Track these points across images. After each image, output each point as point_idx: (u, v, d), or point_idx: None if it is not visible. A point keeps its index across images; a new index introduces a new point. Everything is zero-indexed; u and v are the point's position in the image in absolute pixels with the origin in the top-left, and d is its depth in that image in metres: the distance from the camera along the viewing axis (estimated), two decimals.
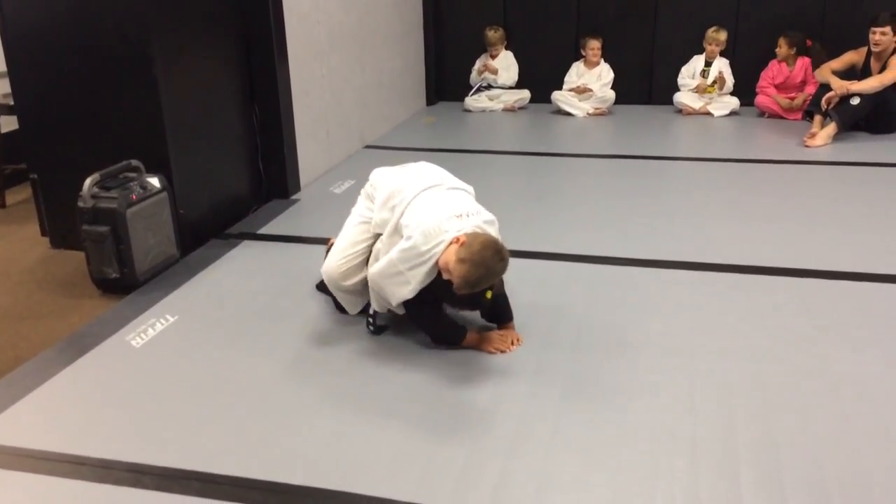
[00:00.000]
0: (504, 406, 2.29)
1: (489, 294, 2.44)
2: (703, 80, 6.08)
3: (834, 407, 2.24)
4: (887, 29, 5.04)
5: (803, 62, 5.76)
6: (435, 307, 2.59)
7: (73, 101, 3.40)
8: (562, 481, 1.96)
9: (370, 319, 2.71)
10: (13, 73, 3.49)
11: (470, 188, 2.68)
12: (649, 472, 1.99)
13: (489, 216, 2.52)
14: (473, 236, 2.34)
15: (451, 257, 2.30)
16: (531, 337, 2.67)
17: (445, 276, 2.35)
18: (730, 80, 6.04)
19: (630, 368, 2.47)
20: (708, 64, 6.09)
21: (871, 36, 5.11)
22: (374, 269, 2.52)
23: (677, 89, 6.20)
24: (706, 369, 2.45)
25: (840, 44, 5.53)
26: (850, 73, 5.37)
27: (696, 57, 6.15)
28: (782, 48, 5.77)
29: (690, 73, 6.16)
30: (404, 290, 2.44)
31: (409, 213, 2.48)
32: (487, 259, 2.28)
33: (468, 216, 2.43)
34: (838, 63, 5.40)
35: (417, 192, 2.52)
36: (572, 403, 2.29)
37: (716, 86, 6.03)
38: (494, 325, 2.71)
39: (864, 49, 5.29)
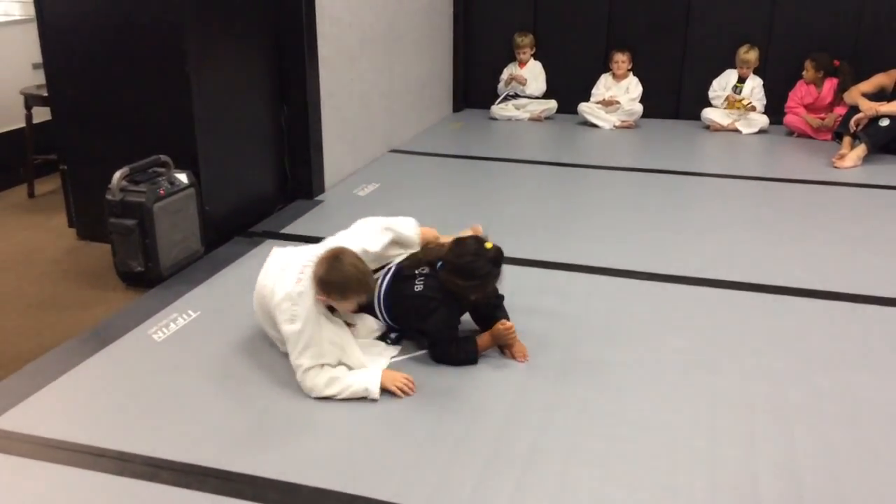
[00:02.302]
0: (521, 418, 2.28)
1: (489, 245, 2.49)
2: (733, 94, 6.04)
3: (855, 432, 2.21)
4: None
5: (832, 83, 5.70)
6: (455, 338, 2.60)
7: (105, 95, 3.44)
8: (578, 497, 1.95)
9: (390, 336, 2.71)
10: (48, 64, 3.54)
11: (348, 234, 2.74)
12: (667, 490, 1.97)
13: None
14: (309, 275, 2.40)
15: (324, 300, 2.38)
16: (551, 348, 2.65)
17: (346, 309, 2.46)
18: (760, 104, 6.00)
19: (650, 385, 2.45)
20: (741, 81, 6.04)
21: None
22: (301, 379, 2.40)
23: (706, 105, 6.14)
24: (727, 389, 2.43)
25: (872, 65, 5.47)
26: (879, 96, 5.31)
27: (729, 70, 6.10)
28: (809, 72, 5.70)
29: (722, 85, 6.11)
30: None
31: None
32: (338, 267, 2.35)
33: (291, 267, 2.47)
34: (868, 85, 5.36)
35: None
36: (591, 418, 2.28)
37: (744, 101, 5.98)
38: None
39: (895, 71, 5.24)
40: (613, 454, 2.11)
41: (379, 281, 2.63)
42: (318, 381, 2.32)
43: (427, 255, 2.64)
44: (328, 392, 2.32)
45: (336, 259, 2.37)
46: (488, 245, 2.51)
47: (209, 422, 2.25)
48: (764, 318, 2.92)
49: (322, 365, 2.34)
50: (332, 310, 2.45)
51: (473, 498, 1.93)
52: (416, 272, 2.60)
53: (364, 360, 2.43)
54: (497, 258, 2.51)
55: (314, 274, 2.37)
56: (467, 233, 2.76)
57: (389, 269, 2.68)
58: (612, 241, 3.71)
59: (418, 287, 2.55)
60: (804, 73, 5.73)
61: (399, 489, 1.96)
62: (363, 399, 2.34)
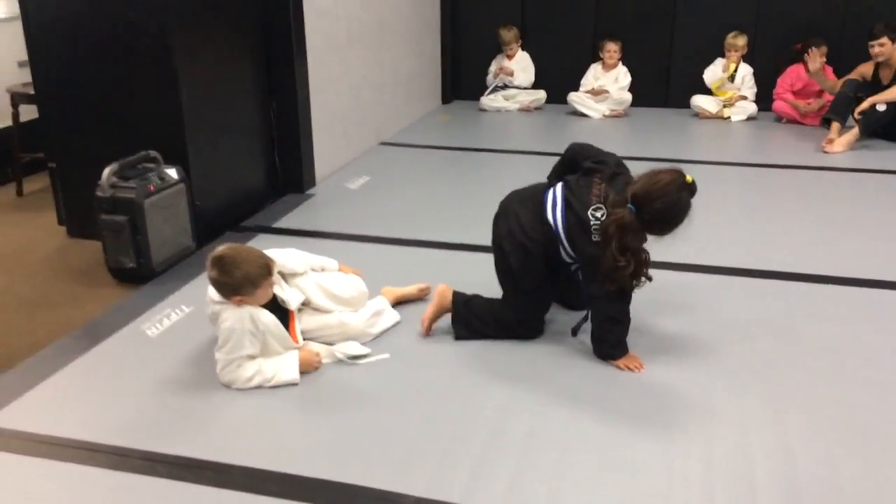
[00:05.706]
0: (518, 404, 2.29)
1: (689, 177, 2.38)
2: (724, 77, 6.02)
3: (849, 414, 2.23)
4: (884, 40, 5.09)
5: (825, 70, 5.70)
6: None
7: (92, 91, 3.41)
8: (576, 480, 1.96)
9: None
10: (34, 62, 3.51)
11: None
12: (664, 474, 1.98)
13: None
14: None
15: (237, 301, 2.37)
16: (543, 337, 2.67)
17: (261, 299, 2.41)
18: (751, 92, 6.00)
19: (643, 370, 2.47)
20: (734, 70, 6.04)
21: (870, 50, 5.17)
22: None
23: (695, 91, 6.14)
24: (720, 372, 2.44)
25: (859, 49, 5.48)
26: (861, 84, 5.36)
27: (720, 59, 6.08)
28: (817, 59, 5.59)
29: (715, 72, 6.10)
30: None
31: None
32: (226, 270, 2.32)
33: None
34: (853, 76, 5.40)
35: None
36: (585, 403, 2.29)
37: (731, 88, 6.00)
38: None
39: (873, 61, 5.29)
40: (608, 437, 2.12)
41: (550, 209, 2.51)
42: (241, 375, 2.35)
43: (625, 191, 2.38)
44: (250, 385, 2.36)
45: (221, 261, 2.32)
46: (688, 178, 2.34)
47: (205, 415, 2.25)
48: (754, 302, 2.94)
49: (240, 359, 2.35)
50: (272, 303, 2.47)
51: (471, 481, 1.94)
52: (595, 198, 2.40)
53: (281, 350, 2.44)
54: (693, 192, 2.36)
55: (210, 279, 2.36)
56: None
57: (557, 195, 2.52)
58: None
59: (595, 224, 2.36)
60: (810, 64, 5.59)
61: (395, 477, 1.97)
62: (356, 386, 2.39)
